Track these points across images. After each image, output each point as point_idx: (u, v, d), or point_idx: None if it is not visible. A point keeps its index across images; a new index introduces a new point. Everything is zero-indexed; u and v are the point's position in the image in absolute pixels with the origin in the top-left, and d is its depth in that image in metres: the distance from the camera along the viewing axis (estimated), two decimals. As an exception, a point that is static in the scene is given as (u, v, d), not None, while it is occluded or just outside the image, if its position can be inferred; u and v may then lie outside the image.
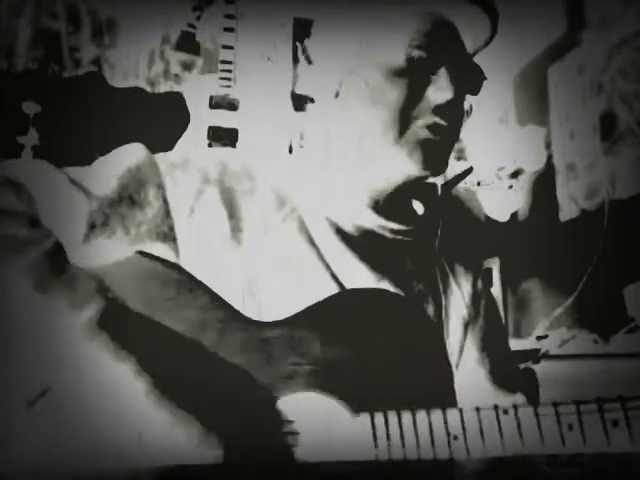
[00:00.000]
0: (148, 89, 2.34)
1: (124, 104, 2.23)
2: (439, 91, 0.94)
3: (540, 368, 1.85)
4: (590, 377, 1.82)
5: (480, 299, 1.08)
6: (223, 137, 2.29)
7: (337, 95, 0.99)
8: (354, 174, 0.99)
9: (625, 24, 2.25)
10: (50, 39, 2.23)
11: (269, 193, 0.97)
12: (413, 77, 0.95)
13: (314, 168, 1.01)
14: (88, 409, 0.72)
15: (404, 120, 0.94)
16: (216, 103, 2.35)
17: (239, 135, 2.33)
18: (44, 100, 2.11)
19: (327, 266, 0.94)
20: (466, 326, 1.04)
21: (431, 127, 0.95)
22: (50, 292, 0.75)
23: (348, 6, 1.00)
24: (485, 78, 1.01)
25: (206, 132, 2.30)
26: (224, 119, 2.34)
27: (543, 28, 2.62)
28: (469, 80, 1.00)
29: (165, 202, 0.92)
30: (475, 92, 1.01)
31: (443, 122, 0.95)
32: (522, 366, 1.85)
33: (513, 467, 0.77)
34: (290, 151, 1.16)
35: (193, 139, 2.27)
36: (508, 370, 1.08)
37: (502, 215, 2.70)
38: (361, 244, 0.98)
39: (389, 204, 1.00)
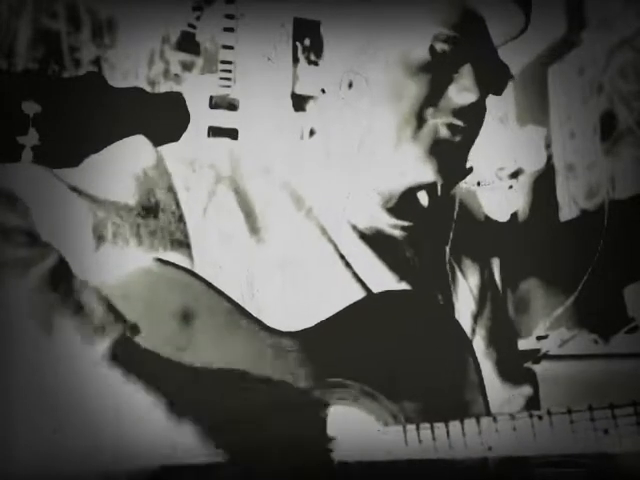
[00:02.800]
0: (148, 89, 2.33)
1: (124, 104, 2.23)
2: (463, 92, 0.89)
3: (540, 368, 1.85)
4: (590, 377, 1.82)
5: (487, 292, 1.07)
6: (223, 137, 2.29)
7: (350, 86, 0.93)
8: (365, 172, 0.95)
9: (625, 24, 2.25)
10: (50, 39, 2.23)
11: (284, 191, 0.93)
12: (435, 73, 0.89)
13: (325, 165, 0.98)
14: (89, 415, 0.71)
15: (420, 119, 0.89)
16: (216, 103, 2.35)
17: (239, 135, 2.32)
18: (44, 100, 2.10)
19: (349, 266, 0.92)
20: (475, 320, 1.03)
21: (450, 126, 0.90)
22: (56, 326, 0.71)
23: (357, 6, 0.95)
24: (511, 77, 0.95)
25: (206, 132, 2.30)
26: (224, 119, 2.34)
27: (543, 28, 2.62)
28: (493, 79, 0.94)
29: (177, 206, 0.88)
30: (499, 92, 0.95)
31: (461, 124, 0.89)
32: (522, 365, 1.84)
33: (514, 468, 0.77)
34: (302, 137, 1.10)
35: (193, 139, 2.26)
36: (515, 362, 1.07)
37: (502, 215, 2.69)
38: (378, 243, 0.95)
39: (399, 202, 0.98)
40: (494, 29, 0.93)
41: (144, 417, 0.71)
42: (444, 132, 0.90)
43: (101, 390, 0.71)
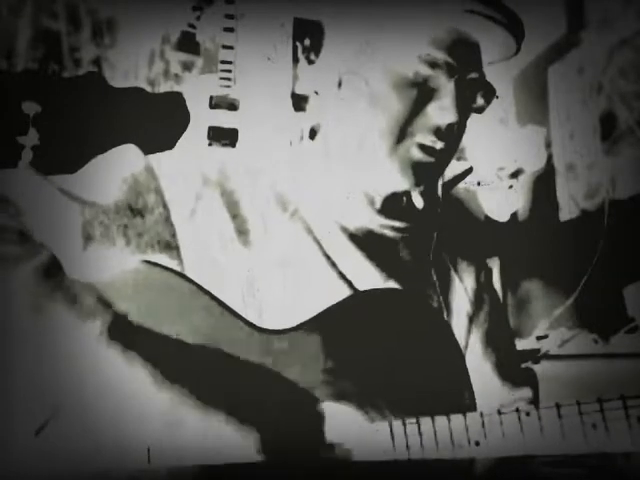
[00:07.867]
0: (148, 89, 2.33)
1: (124, 104, 2.23)
2: (441, 111, 0.91)
3: (540, 368, 1.85)
4: (590, 377, 1.82)
5: (483, 293, 1.07)
6: (223, 137, 2.29)
7: (339, 85, 0.95)
8: (364, 173, 0.96)
9: (625, 24, 2.25)
10: (50, 39, 2.23)
11: (271, 193, 0.95)
12: (419, 89, 0.91)
13: (315, 167, 1.00)
14: (89, 409, 0.72)
15: (400, 133, 0.91)
16: (216, 103, 2.35)
17: (239, 135, 2.32)
18: (44, 100, 2.10)
19: (334, 265, 0.93)
20: (470, 321, 1.04)
21: (426, 148, 0.92)
22: (47, 311, 0.72)
23: (356, 7, 0.96)
24: (496, 96, 0.97)
25: (206, 132, 2.30)
26: (224, 119, 2.34)
27: (543, 28, 2.62)
28: (477, 98, 0.96)
29: (165, 208, 0.89)
30: (481, 111, 0.97)
31: (440, 144, 0.92)
32: (522, 366, 1.85)
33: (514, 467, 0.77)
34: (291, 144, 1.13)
35: (193, 139, 2.27)
36: (514, 364, 1.08)
37: (502, 215, 2.69)
38: (366, 243, 0.96)
39: (388, 202, 0.99)
40: (484, 53, 0.96)
41: (144, 416, 0.71)
42: (421, 152, 0.92)
43: (100, 389, 0.71)
